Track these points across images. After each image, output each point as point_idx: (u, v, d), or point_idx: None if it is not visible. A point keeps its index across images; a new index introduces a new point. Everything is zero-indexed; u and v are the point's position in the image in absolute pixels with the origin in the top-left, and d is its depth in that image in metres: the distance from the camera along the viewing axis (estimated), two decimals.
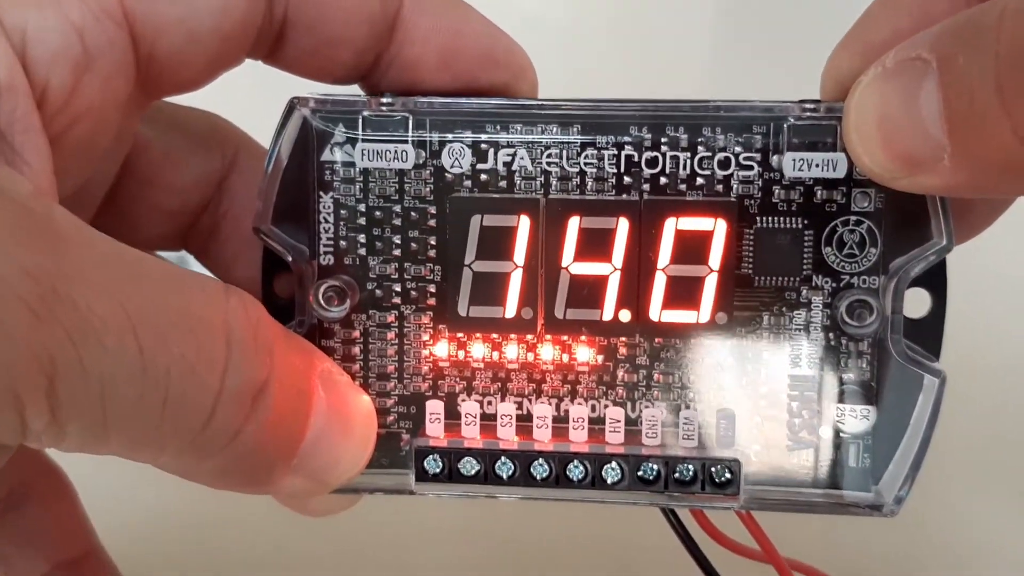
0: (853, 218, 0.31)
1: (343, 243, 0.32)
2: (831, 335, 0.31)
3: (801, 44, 0.55)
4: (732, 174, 0.31)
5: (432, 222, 0.32)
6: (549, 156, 0.31)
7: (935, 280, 0.31)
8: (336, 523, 0.44)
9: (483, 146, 0.32)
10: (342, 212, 0.32)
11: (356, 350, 0.33)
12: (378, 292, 0.32)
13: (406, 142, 0.32)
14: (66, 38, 0.27)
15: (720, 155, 0.31)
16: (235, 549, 0.47)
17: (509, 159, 0.31)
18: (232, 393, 0.26)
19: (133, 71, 0.28)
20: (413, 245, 0.32)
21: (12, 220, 0.23)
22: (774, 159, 0.31)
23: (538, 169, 0.31)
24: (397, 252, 0.32)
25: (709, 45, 0.58)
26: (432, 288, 0.32)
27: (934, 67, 0.25)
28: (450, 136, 0.32)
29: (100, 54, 0.27)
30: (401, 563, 0.47)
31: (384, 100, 0.31)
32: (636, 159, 0.31)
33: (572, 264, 0.31)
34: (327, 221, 0.32)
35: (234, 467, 0.27)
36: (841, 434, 0.32)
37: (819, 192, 0.31)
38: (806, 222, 0.31)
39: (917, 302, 0.32)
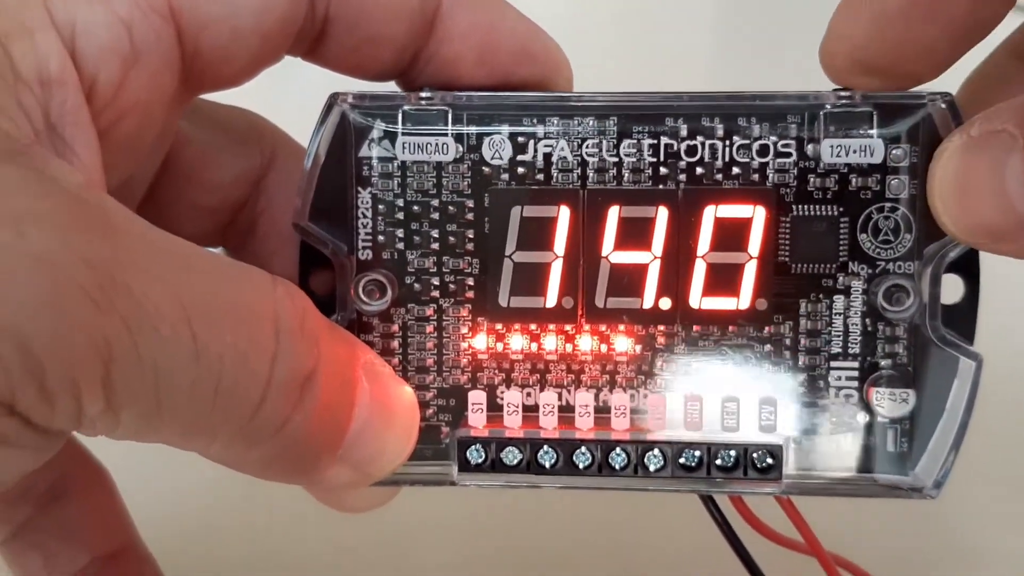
0: (888, 205, 0.31)
1: (381, 238, 0.32)
2: (868, 320, 0.31)
3: (801, 38, 0.56)
4: (768, 162, 0.31)
5: (470, 215, 0.32)
6: (587, 148, 0.31)
7: (968, 266, 0.31)
8: (337, 523, 0.43)
9: (522, 138, 0.31)
10: (380, 207, 0.32)
11: (395, 344, 0.33)
12: (416, 286, 0.32)
13: (446, 135, 0.31)
14: (114, 33, 0.27)
15: (756, 144, 0.31)
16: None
17: (548, 151, 0.31)
18: (281, 382, 0.26)
19: (178, 66, 0.28)
20: (451, 238, 0.32)
21: (68, 209, 0.23)
22: (809, 147, 0.31)
23: (576, 160, 0.31)
24: (435, 246, 0.32)
25: (710, 40, 0.58)
26: (470, 281, 0.32)
27: (1021, 142, 0.25)
28: (487, 129, 0.31)
29: (147, 49, 0.27)
30: (403, 565, 0.47)
31: (423, 94, 0.31)
32: (673, 149, 0.31)
33: (612, 253, 0.31)
34: (365, 216, 0.32)
35: (282, 456, 0.27)
36: (879, 418, 0.32)
37: (854, 179, 0.31)
38: (841, 209, 0.31)
39: (950, 288, 0.32)
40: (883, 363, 0.31)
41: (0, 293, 0.22)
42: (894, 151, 0.31)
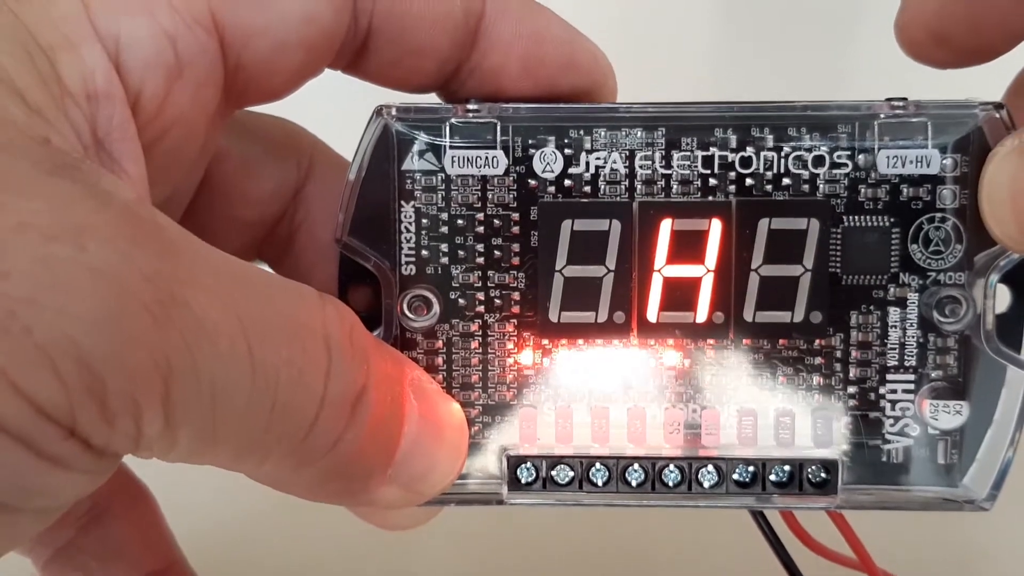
0: (939, 215, 0.29)
1: (425, 252, 0.30)
2: (920, 331, 0.30)
3: (805, 42, 0.55)
4: (820, 173, 0.29)
5: (516, 228, 0.30)
6: (638, 160, 0.30)
7: (1016, 276, 0.30)
8: (339, 529, 0.42)
9: (571, 151, 0.30)
10: (424, 221, 0.30)
11: (439, 360, 0.31)
12: (461, 301, 0.30)
13: (494, 147, 0.30)
14: (159, 45, 0.25)
15: (809, 155, 0.29)
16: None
17: (600, 163, 0.30)
18: (335, 399, 0.25)
19: (221, 80, 0.26)
20: (497, 252, 0.30)
21: (126, 223, 0.22)
22: (860, 157, 0.29)
23: (626, 172, 0.30)
24: (480, 260, 0.30)
25: (710, 45, 0.57)
26: (516, 296, 0.30)
27: None
28: (532, 141, 0.30)
29: (191, 62, 0.25)
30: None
31: (470, 107, 0.30)
32: (723, 161, 0.30)
33: (665, 267, 0.29)
34: (408, 231, 0.30)
35: (333, 475, 0.26)
36: (931, 430, 0.30)
37: (905, 190, 0.29)
38: (893, 220, 0.30)
39: (997, 298, 0.30)
40: (934, 375, 0.30)
41: (60, 307, 0.20)
42: (944, 161, 0.29)
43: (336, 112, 0.32)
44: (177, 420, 0.22)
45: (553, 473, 0.30)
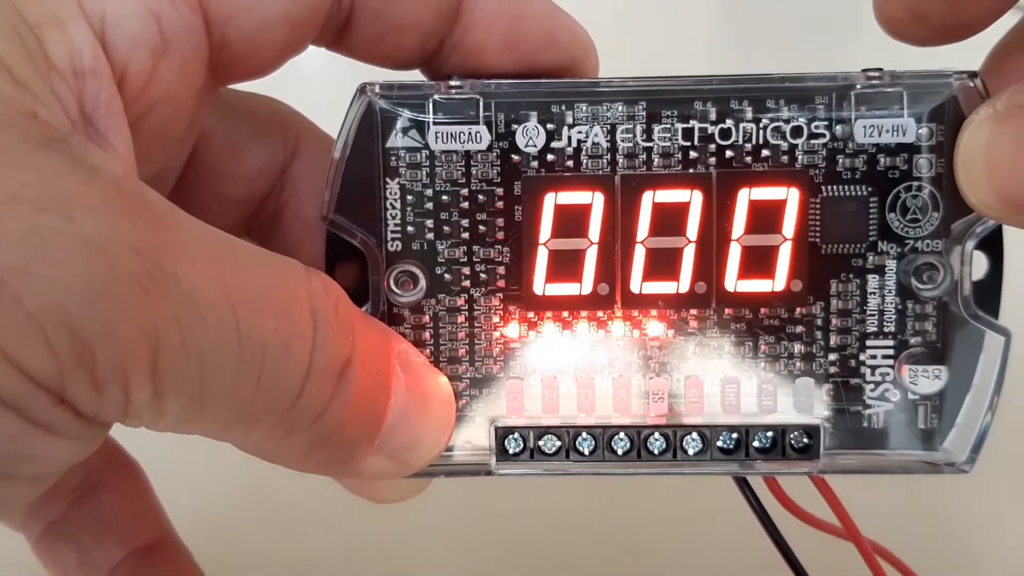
0: (915, 184, 0.30)
1: (410, 228, 0.30)
2: (899, 299, 0.30)
3: (801, 31, 0.55)
4: (798, 144, 0.30)
5: (500, 204, 0.30)
6: (620, 133, 0.30)
7: (992, 242, 0.30)
8: (336, 524, 0.42)
9: (553, 125, 0.30)
10: (408, 197, 0.30)
11: (427, 335, 0.31)
12: (447, 276, 0.31)
13: (477, 123, 0.30)
14: (144, 23, 0.25)
15: (788, 126, 0.29)
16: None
17: (582, 137, 0.30)
18: (320, 369, 0.25)
19: (206, 57, 0.27)
20: (481, 227, 0.30)
21: (114, 195, 0.22)
22: (838, 128, 0.30)
23: (607, 146, 0.30)
24: (465, 235, 0.30)
25: (701, 32, 0.57)
26: (501, 270, 0.30)
27: None
28: (514, 116, 0.30)
29: (176, 39, 0.25)
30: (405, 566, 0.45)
31: (453, 83, 0.30)
32: (703, 133, 0.30)
33: (647, 239, 0.30)
34: (394, 207, 0.30)
35: (320, 445, 0.26)
36: (910, 395, 0.30)
37: (882, 159, 0.30)
38: (870, 189, 0.30)
39: (974, 265, 0.31)
40: (913, 341, 0.30)
41: (50, 277, 0.20)
42: (920, 130, 0.29)
43: (322, 90, 0.32)
44: (165, 389, 0.22)
45: (540, 443, 0.30)
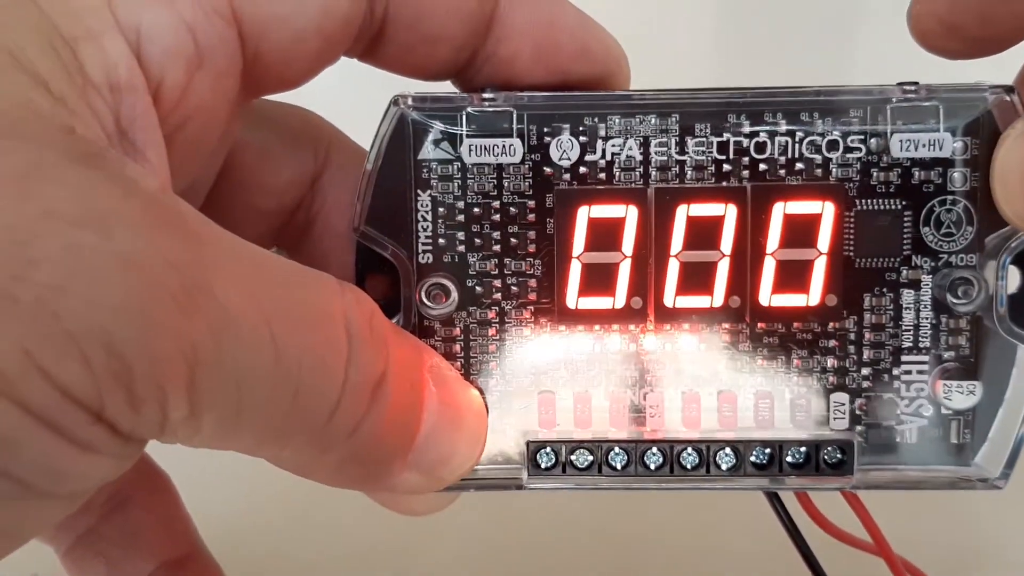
0: (950, 197, 0.29)
1: (442, 241, 0.30)
2: (933, 313, 0.30)
3: (812, 34, 0.55)
4: (832, 158, 0.29)
5: (532, 216, 0.30)
6: (652, 146, 0.29)
7: None
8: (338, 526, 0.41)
9: (586, 138, 0.29)
10: (440, 210, 0.30)
11: (458, 347, 0.30)
12: (478, 288, 0.30)
13: (511, 135, 0.29)
14: (179, 36, 0.24)
15: (822, 139, 0.29)
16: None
17: (616, 150, 0.29)
18: (355, 384, 0.25)
19: (240, 69, 0.26)
20: (513, 240, 0.30)
21: (151, 211, 0.22)
22: (872, 141, 0.29)
23: (641, 159, 0.29)
24: (497, 248, 0.30)
25: (716, 35, 0.56)
26: (533, 283, 0.30)
27: None
28: (548, 129, 0.29)
29: (211, 52, 0.25)
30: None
31: (486, 96, 0.29)
32: (737, 146, 0.29)
33: (681, 252, 0.29)
34: (425, 219, 0.30)
35: (354, 460, 0.26)
36: (944, 410, 0.30)
37: (917, 173, 0.29)
38: (905, 203, 0.29)
39: (1008, 279, 0.30)
40: (947, 355, 0.30)
41: (88, 294, 0.20)
42: (955, 144, 0.29)
43: (354, 100, 0.32)
44: (202, 406, 0.22)
45: (572, 458, 0.30)
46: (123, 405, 0.21)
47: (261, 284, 0.23)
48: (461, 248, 0.30)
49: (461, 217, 0.30)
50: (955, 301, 0.30)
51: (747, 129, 0.29)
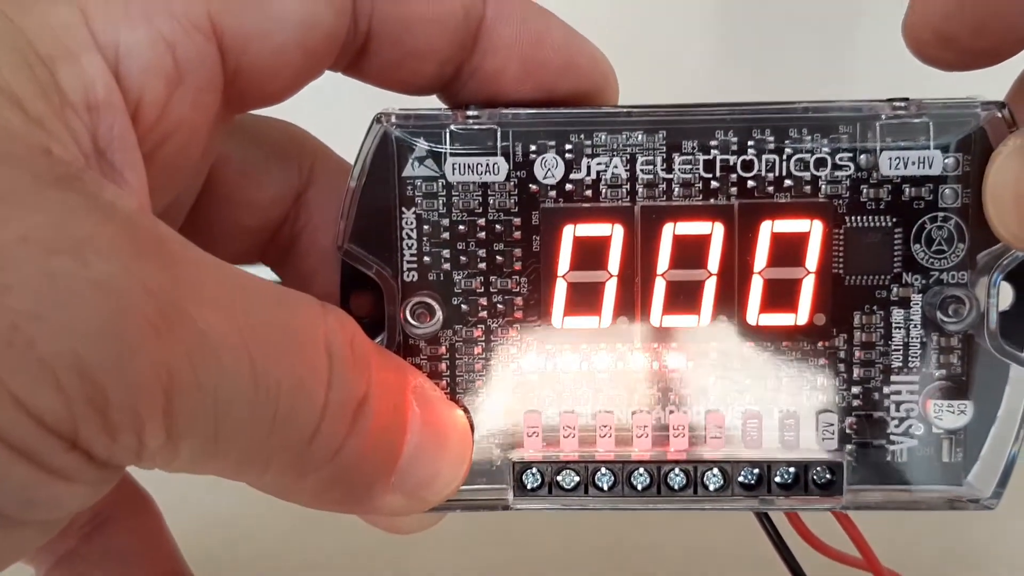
0: (941, 214, 0.29)
1: (427, 259, 0.30)
2: (924, 331, 0.29)
3: (804, 45, 0.54)
4: (821, 175, 0.29)
5: (517, 234, 0.29)
6: (638, 163, 0.29)
7: (1018, 274, 0.29)
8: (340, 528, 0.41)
9: (572, 155, 0.29)
10: (425, 227, 0.30)
11: (443, 366, 0.30)
12: (464, 307, 0.30)
13: (495, 154, 0.29)
14: (158, 52, 0.24)
15: (811, 156, 0.29)
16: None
17: (602, 168, 0.29)
18: (336, 407, 0.24)
19: (221, 85, 0.26)
20: (499, 258, 0.30)
21: (127, 235, 0.21)
22: (862, 158, 0.29)
23: (627, 176, 0.29)
24: (482, 265, 0.30)
25: (708, 47, 0.56)
26: (519, 301, 0.30)
27: None
28: (533, 147, 0.29)
29: (191, 68, 0.25)
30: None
31: (470, 113, 0.29)
32: (724, 163, 0.29)
33: (668, 271, 0.29)
34: (410, 237, 0.30)
35: (336, 483, 0.26)
36: (935, 430, 0.30)
37: (907, 190, 0.29)
38: (895, 220, 0.29)
39: (1000, 297, 0.30)
40: (938, 374, 0.30)
41: (63, 321, 0.20)
42: (947, 160, 0.29)
43: (338, 114, 0.32)
44: (179, 432, 0.21)
45: (559, 478, 0.29)
46: (98, 432, 0.20)
47: (241, 307, 0.23)
48: (446, 266, 0.30)
49: (446, 235, 0.30)
50: (946, 319, 0.29)
51: (735, 146, 0.29)
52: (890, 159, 0.28)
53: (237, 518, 0.46)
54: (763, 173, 0.29)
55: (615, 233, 0.29)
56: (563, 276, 0.29)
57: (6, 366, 0.19)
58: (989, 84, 0.31)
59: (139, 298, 0.21)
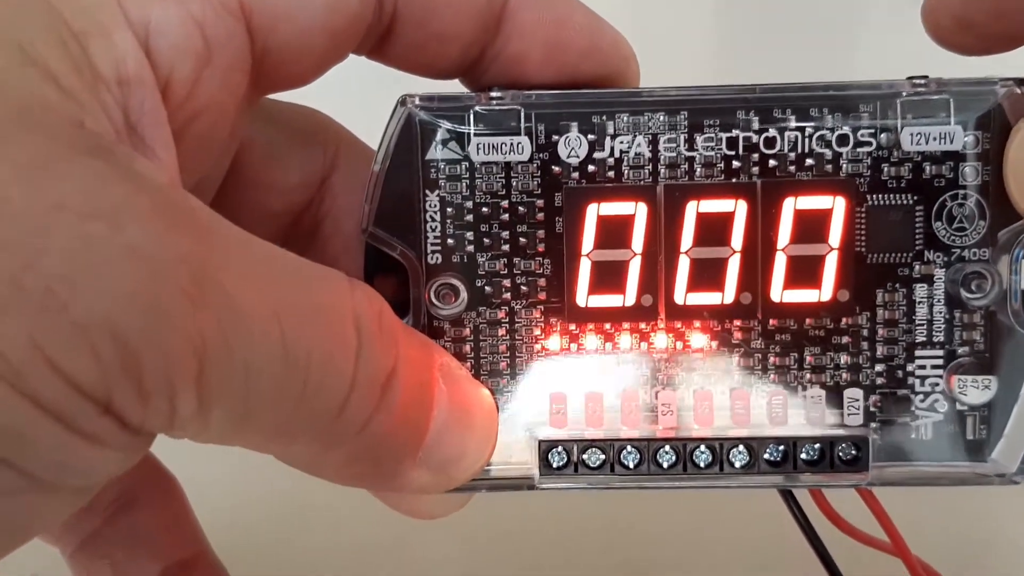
0: (962, 192, 0.29)
1: (450, 241, 0.30)
2: (946, 308, 0.29)
3: (815, 32, 0.54)
4: (843, 153, 0.29)
5: (541, 215, 0.30)
6: (661, 143, 0.29)
7: None
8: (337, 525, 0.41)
9: (594, 136, 0.29)
10: (448, 210, 0.30)
11: (467, 348, 0.30)
12: (488, 288, 0.30)
13: (519, 133, 0.29)
14: (188, 31, 0.24)
15: (832, 134, 0.29)
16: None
17: (625, 147, 0.29)
18: (365, 380, 0.24)
19: (249, 66, 0.26)
20: (522, 239, 0.30)
21: (161, 205, 0.21)
22: (883, 136, 0.29)
23: (650, 156, 0.29)
24: (506, 247, 0.30)
25: (719, 32, 0.56)
26: (542, 282, 0.30)
27: None
28: (556, 127, 0.29)
29: (220, 48, 0.25)
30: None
31: (493, 94, 0.29)
32: (747, 142, 0.29)
33: (692, 249, 0.29)
34: (434, 219, 0.30)
35: (363, 458, 0.26)
36: (959, 406, 0.30)
37: (928, 167, 0.29)
38: (916, 198, 0.29)
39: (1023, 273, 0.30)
40: (961, 351, 0.30)
41: (97, 286, 0.20)
42: (966, 138, 0.29)
43: (362, 100, 0.32)
44: (210, 400, 0.22)
45: (584, 457, 0.29)
46: (131, 397, 0.20)
47: (271, 279, 0.23)
48: (470, 248, 0.30)
49: (470, 217, 0.30)
50: (968, 296, 0.29)
51: (756, 125, 0.29)
52: (911, 135, 0.29)
53: (239, 516, 0.46)
54: (785, 151, 0.29)
55: (638, 212, 0.29)
56: (587, 255, 0.29)
57: (40, 329, 0.19)
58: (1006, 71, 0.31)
59: (173, 265, 0.21)
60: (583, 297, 0.29)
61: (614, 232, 0.29)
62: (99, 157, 0.21)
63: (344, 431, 0.25)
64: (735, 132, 0.29)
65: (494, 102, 0.29)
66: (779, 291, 0.29)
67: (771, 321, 0.30)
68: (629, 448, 0.29)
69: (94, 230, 0.20)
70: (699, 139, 0.29)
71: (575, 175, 0.30)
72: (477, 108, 0.29)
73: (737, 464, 0.29)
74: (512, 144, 0.29)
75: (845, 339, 0.30)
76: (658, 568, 0.43)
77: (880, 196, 0.29)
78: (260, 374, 0.22)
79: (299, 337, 0.23)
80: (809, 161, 0.29)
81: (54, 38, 0.22)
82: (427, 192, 0.30)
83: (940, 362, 0.30)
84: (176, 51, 0.24)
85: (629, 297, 0.29)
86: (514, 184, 0.30)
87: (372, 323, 0.25)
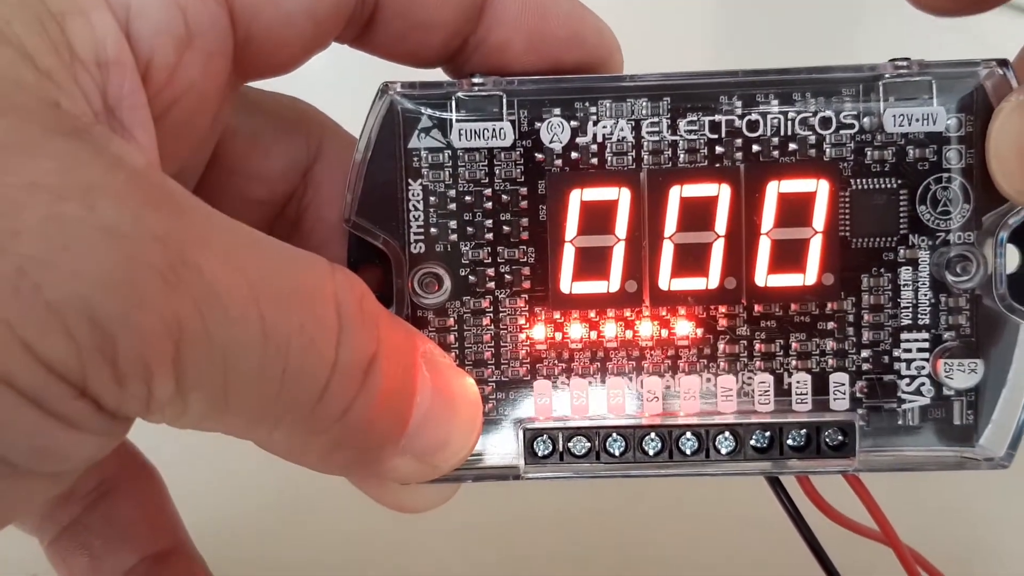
0: (946, 175, 0.29)
1: (433, 230, 0.30)
2: (932, 291, 0.29)
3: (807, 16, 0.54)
4: (825, 136, 0.29)
5: (524, 203, 0.29)
6: (645, 128, 0.29)
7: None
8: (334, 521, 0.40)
9: (577, 122, 0.29)
10: (431, 199, 0.29)
11: (451, 337, 0.30)
12: (471, 277, 0.30)
13: (501, 119, 0.29)
14: (169, 14, 0.24)
15: (814, 118, 0.29)
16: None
17: (608, 133, 0.29)
18: (345, 365, 0.24)
19: (231, 51, 0.26)
20: (506, 228, 0.30)
21: (137, 185, 0.21)
22: (866, 120, 0.29)
23: (633, 142, 0.29)
24: (489, 236, 0.30)
25: (711, 19, 0.56)
26: (526, 270, 0.30)
27: None
28: (538, 114, 0.29)
29: (201, 32, 0.25)
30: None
31: (476, 81, 0.29)
32: (730, 127, 0.29)
33: (676, 234, 0.29)
34: (416, 208, 0.30)
35: (344, 444, 0.25)
36: (946, 390, 0.29)
37: (912, 151, 0.29)
38: (900, 181, 0.29)
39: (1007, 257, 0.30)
40: (947, 335, 0.29)
41: (71, 266, 0.19)
42: (949, 120, 0.29)
43: (346, 89, 0.32)
44: (188, 384, 0.21)
45: (570, 445, 0.29)
46: (107, 380, 0.20)
47: (250, 262, 0.23)
48: (453, 237, 0.30)
49: (453, 205, 0.30)
50: (954, 279, 0.29)
51: (739, 110, 0.29)
52: (894, 116, 0.28)
53: (227, 513, 0.45)
54: (768, 135, 0.29)
55: (622, 197, 0.29)
56: (570, 241, 0.29)
57: (14, 311, 0.19)
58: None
59: (148, 246, 0.20)
60: (567, 284, 0.29)
61: (598, 218, 0.29)
62: (74, 137, 0.21)
63: (325, 416, 0.24)
64: (718, 117, 0.29)
65: (476, 88, 0.29)
66: (764, 275, 0.29)
67: (756, 307, 0.29)
68: (615, 435, 0.29)
69: (68, 210, 0.20)
70: (682, 124, 0.29)
71: (558, 161, 0.29)
72: (459, 94, 0.29)
73: (723, 450, 0.29)
74: (494, 130, 0.29)
75: (831, 324, 0.30)
76: (648, 555, 0.43)
77: (864, 180, 0.29)
78: (239, 357, 0.22)
79: (278, 320, 0.23)
80: (792, 145, 0.29)
81: (31, 18, 0.22)
82: (410, 181, 0.30)
83: (926, 346, 0.29)
84: (156, 33, 0.24)
85: (613, 283, 0.29)
86: (497, 172, 0.29)
87: (353, 307, 0.25)
